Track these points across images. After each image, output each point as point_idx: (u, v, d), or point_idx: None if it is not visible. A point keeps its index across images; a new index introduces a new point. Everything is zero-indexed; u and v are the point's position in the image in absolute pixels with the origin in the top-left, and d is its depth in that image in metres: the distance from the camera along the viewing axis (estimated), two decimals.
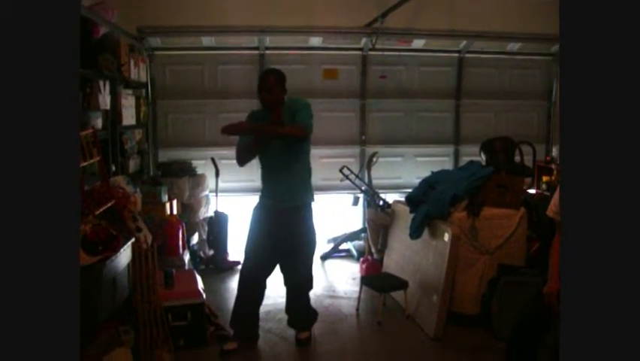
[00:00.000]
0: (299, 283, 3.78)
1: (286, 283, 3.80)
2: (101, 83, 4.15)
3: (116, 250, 2.99)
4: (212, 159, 5.61)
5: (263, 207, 3.68)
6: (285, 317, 3.96)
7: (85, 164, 3.30)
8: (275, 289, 3.94)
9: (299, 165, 3.61)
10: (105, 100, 4.23)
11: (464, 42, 6.18)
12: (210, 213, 5.74)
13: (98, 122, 4.12)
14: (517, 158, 4.72)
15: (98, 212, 3.14)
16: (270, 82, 3.48)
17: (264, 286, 3.75)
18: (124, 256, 3.18)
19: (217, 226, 5.52)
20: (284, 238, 3.62)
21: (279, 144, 3.49)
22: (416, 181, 4.94)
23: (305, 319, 3.88)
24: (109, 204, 3.37)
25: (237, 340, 3.70)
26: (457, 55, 6.36)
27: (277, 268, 3.78)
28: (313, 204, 3.72)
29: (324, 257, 5.90)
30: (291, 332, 3.89)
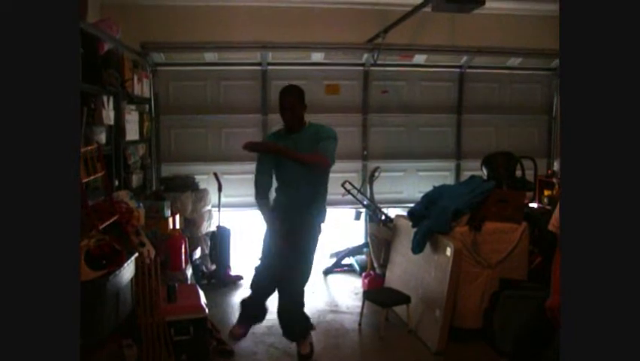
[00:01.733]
0: (287, 299, 3.76)
1: (278, 292, 3.80)
2: (105, 98, 4.19)
3: (119, 264, 3.00)
4: (215, 174, 5.62)
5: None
6: None
7: (89, 179, 3.33)
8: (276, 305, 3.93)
9: (315, 186, 3.66)
10: (109, 115, 4.27)
11: (465, 57, 6.22)
12: (213, 228, 5.75)
13: (102, 138, 4.16)
14: (519, 172, 4.74)
15: (101, 227, 3.17)
16: (291, 101, 3.60)
17: (274, 284, 3.83)
18: (127, 270, 3.19)
19: (219, 241, 5.52)
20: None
21: (298, 164, 3.54)
22: (418, 196, 4.94)
23: (295, 330, 3.81)
24: (112, 219, 3.39)
25: (244, 322, 3.89)
26: (458, 70, 6.40)
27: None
28: (322, 225, 3.75)
29: (327, 272, 5.90)
30: (293, 346, 3.87)
